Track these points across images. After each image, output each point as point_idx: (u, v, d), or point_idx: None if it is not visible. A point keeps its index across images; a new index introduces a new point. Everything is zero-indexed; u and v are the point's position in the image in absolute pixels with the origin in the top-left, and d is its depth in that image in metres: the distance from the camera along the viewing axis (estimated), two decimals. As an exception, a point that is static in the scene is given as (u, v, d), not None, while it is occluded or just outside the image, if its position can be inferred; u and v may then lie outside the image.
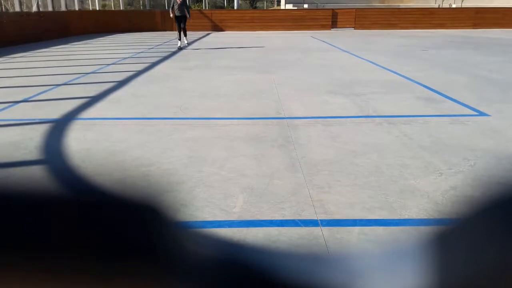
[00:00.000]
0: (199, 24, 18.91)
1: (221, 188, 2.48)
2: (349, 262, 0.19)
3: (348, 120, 3.96)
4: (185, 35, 11.26)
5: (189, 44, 11.94)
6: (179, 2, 10.34)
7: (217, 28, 19.01)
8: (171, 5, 10.57)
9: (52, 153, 3.14)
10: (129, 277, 0.16)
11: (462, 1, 23.30)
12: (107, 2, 25.59)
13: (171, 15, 10.60)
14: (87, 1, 20.57)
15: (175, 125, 3.83)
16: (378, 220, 2.12)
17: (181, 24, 10.84)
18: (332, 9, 19.43)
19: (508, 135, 3.47)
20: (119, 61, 8.59)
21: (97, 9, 20.93)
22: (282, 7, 25.87)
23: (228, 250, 0.19)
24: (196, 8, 26.43)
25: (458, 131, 3.57)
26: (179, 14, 10.52)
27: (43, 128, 3.75)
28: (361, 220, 2.11)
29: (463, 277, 0.16)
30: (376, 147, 3.17)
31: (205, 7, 27.24)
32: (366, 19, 19.08)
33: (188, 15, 10.62)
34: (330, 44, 12.21)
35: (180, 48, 10.86)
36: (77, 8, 18.79)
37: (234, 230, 2.04)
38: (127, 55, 9.51)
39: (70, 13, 17.26)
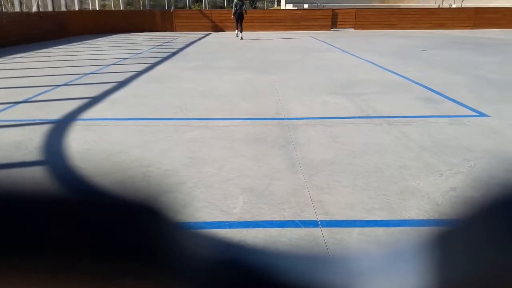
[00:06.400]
0: (199, 25, 18.92)
1: (221, 189, 2.48)
2: (349, 263, 0.19)
3: (348, 120, 3.96)
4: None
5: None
6: None
7: (217, 28, 19.02)
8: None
9: (52, 153, 3.14)
10: (129, 278, 0.16)
11: (462, 1, 23.31)
12: (106, 2, 25.59)
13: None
14: (87, 1, 20.57)
15: (175, 126, 3.83)
16: (378, 221, 2.12)
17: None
18: (332, 9, 19.44)
19: (508, 135, 3.47)
20: (119, 61, 8.59)
21: (97, 9, 20.93)
22: (282, 7, 25.88)
23: (228, 251, 0.19)
24: (196, 8, 26.43)
25: (458, 131, 3.57)
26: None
27: (43, 129, 3.75)
28: (361, 221, 2.11)
29: (463, 277, 0.16)
30: (376, 148, 3.17)
31: (205, 7, 27.25)
32: (366, 20, 19.08)
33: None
34: (330, 45, 12.22)
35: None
36: (77, 8, 18.80)
37: (234, 231, 2.04)
38: (127, 56, 9.51)
39: (70, 13, 17.27)
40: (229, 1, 26.36)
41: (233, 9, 13.98)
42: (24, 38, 12.87)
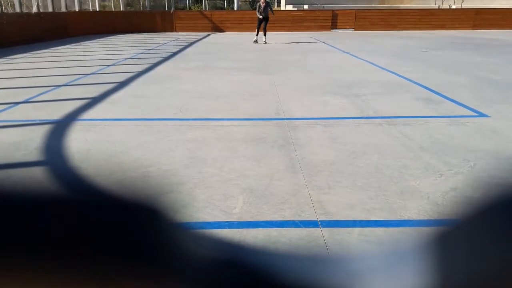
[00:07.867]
0: (200, 25, 18.93)
1: (221, 189, 2.48)
2: (349, 263, 0.19)
3: (348, 121, 3.96)
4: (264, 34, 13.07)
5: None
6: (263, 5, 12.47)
7: (217, 29, 19.02)
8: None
9: (52, 154, 3.14)
10: (129, 278, 0.16)
11: (462, 2, 23.32)
12: (106, 3, 25.60)
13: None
14: (87, 2, 20.58)
15: (175, 126, 3.83)
16: (378, 221, 2.12)
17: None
18: (332, 10, 19.44)
19: (508, 136, 3.47)
20: (119, 62, 8.59)
21: (97, 10, 20.93)
22: (282, 8, 25.88)
23: (228, 251, 0.18)
24: (196, 9, 26.44)
25: (458, 132, 3.57)
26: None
27: (44, 129, 3.75)
28: (361, 221, 2.11)
29: (463, 278, 0.16)
30: (376, 148, 3.17)
31: (205, 8, 27.26)
32: (366, 20, 19.09)
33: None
34: (330, 45, 12.22)
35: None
36: (77, 9, 18.80)
37: (234, 231, 2.04)
38: (127, 56, 9.51)
39: (70, 14, 17.28)
40: (229, 2, 26.37)
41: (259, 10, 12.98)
42: (24, 39, 12.87)
